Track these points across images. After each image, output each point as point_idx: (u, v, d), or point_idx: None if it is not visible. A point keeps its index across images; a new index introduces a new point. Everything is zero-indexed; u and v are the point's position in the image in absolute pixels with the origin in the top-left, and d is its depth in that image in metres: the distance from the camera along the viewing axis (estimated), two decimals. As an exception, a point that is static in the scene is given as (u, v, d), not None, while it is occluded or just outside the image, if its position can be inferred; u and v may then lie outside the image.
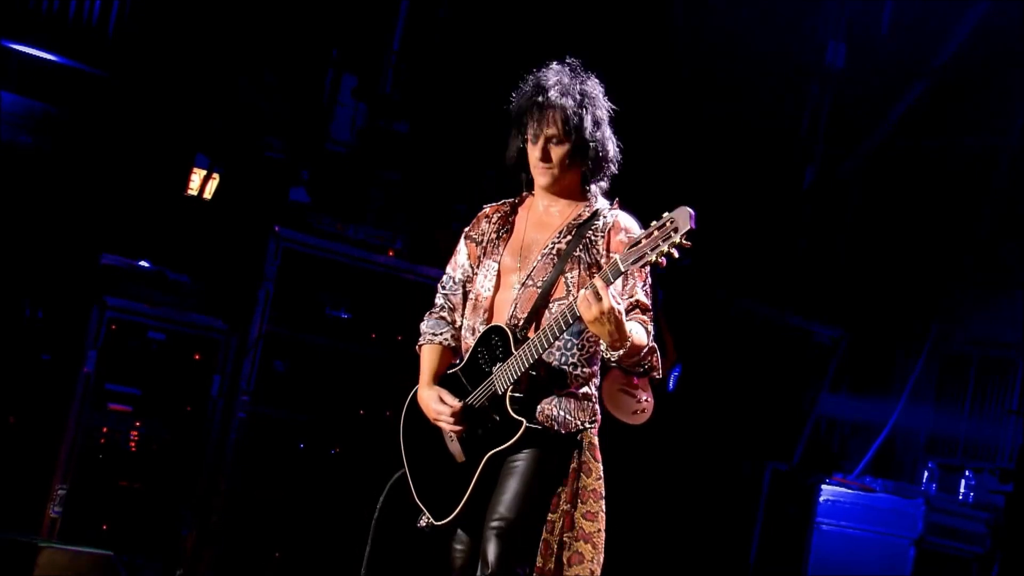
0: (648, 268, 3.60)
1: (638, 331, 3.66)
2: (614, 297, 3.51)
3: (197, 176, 7.31)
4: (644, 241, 3.45)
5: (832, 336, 7.52)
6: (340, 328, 6.96)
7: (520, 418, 3.69)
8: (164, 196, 7.20)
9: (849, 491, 7.47)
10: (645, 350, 3.68)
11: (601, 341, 3.61)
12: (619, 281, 3.62)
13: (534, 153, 3.84)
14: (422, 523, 3.93)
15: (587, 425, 3.79)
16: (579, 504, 3.72)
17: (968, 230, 7.79)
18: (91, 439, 6.28)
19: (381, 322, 7.09)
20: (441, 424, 3.85)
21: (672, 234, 3.38)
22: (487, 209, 4.06)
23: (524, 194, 4.03)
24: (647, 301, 3.78)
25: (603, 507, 3.77)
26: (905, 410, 7.92)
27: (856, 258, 7.97)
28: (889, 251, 7.92)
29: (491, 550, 3.64)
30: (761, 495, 7.60)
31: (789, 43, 7.90)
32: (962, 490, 7.76)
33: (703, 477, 7.45)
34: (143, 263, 6.62)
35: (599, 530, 3.74)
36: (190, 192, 7.27)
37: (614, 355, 3.62)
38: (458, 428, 3.83)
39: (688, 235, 3.36)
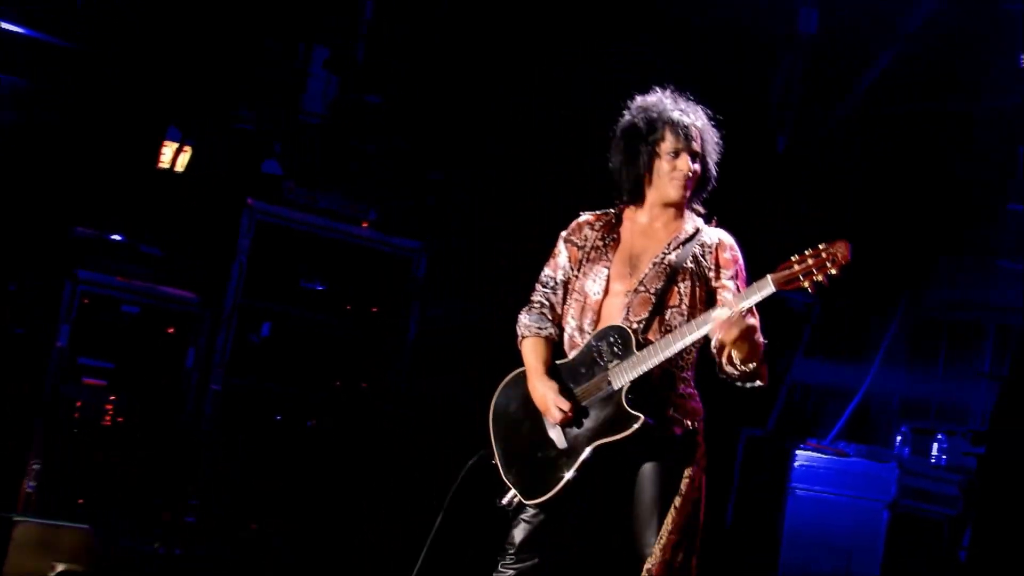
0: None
1: (761, 353, 3.92)
2: (750, 323, 3.80)
3: (169, 149, 7.26)
4: (797, 267, 3.71)
5: (805, 302, 7.56)
6: (315, 300, 6.96)
7: (638, 412, 3.93)
8: (136, 169, 7.16)
9: (823, 456, 7.51)
10: (764, 366, 3.95)
11: (735, 357, 3.86)
12: (726, 294, 4.02)
13: (675, 164, 4.13)
14: (504, 501, 4.10)
15: (695, 426, 4.07)
16: (692, 510, 4.02)
17: (939, 195, 7.82)
18: (66, 413, 6.26)
19: (356, 293, 7.10)
20: (553, 412, 4.05)
21: (828, 264, 3.65)
22: (589, 217, 4.32)
23: (622, 206, 4.28)
24: (755, 321, 3.96)
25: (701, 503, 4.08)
26: (878, 375, 7.97)
27: (827, 224, 8.00)
28: (860, 217, 7.95)
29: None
30: (736, 461, 7.65)
31: (761, 10, 7.89)
32: (935, 453, 7.81)
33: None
34: (115, 236, 6.60)
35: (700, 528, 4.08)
36: (162, 165, 7.23)
37: (729, 367, 3.90)
38: (568, 418, 4.03)
39: (843, 268, 3.63)
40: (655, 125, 4.14)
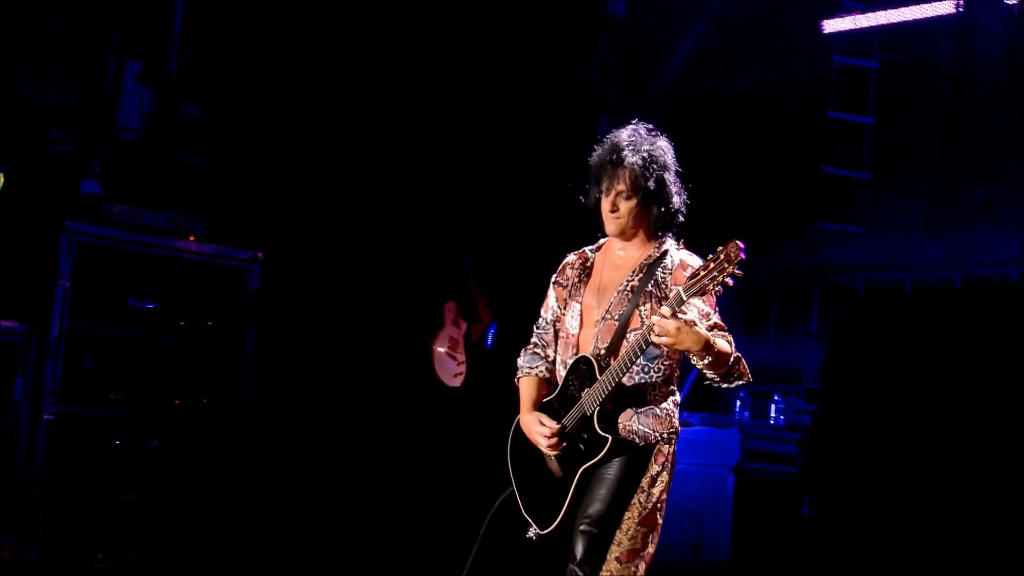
0: (716, 293, 4.04)
1: (722, 342, 4.11)
2: (682, 315, 3.98)
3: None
4: (702, 273, 3.92)
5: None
6: (146, 318, 6.82)
7: (607, 435, 4.18)
8: None
9: (668, 430, 7.65)
10: (732, 359, 4.13)
11: (697, 364, 4.07)
12: (696, 307, 4.13)
13: (605, 205, 4.34)
14: (530, 534, 4.36)
15: (662, 437, 4.25)
16: (642, 512, 4.20)
17: (759, 166, 8.03)
18: None
19: (189, 308, 6.98)
20: (541, 445, 4.32)
21: (726, 265, 3.87)
22: (571, 257, 4.56)
23: (602, 240, 4.51)
24: (722, 322, 4.22)
25: (659, 517, 4.26)
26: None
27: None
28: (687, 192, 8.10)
29: (579, 545, 4.16)
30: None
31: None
32: (773, 415, 8.07)
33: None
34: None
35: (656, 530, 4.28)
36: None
37: (704, 368, 4.09)
38: (556, 448, 4.29)
39: (740, 264, 3.85)
40: (600, 166, 4.33)
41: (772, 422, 8.13)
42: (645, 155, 4.30)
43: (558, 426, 4.31)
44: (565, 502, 4.25)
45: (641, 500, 4.21)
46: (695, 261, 4.30)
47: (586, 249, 4.57)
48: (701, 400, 8.13)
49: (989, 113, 7.12)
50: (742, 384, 4.25)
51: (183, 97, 7.91)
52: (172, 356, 6.88)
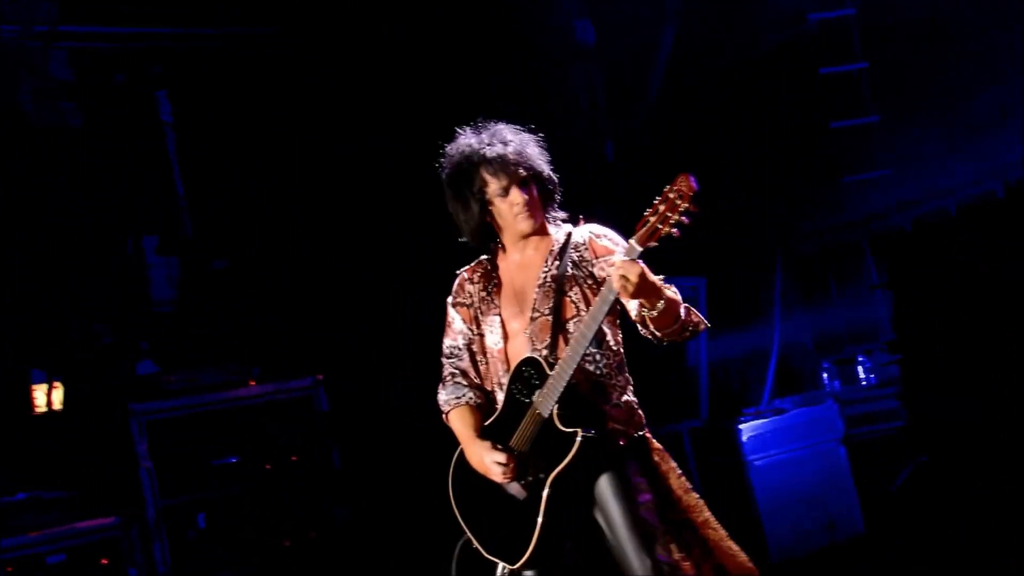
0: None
1: (673, 291, 3.79)
2: (640, 263, 3.63)
3: (40, 392, 7.19)
4: (652, 218, 3.60)
5: (690, 286, 7.64)
6: (233, 473, 6.90)
7: (573, 429, 3.80)
8: (15, 423, 7.07)
9: (765, 420, 7.58)
10: (683, 307, 3.81)
11: (647, 312, 3.71)
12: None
13: (511, 201, 3.99)
14: (498, 574, 3.96)
15: (639, 433, 3.96)
16: (674, 513, 3.89)
17: (769, 138, 7.96)
18: None
19: (270, 450, 7.04)
20: (494, 473, 3.92)
21: (678, 202, 3.55)
22: (464, 273, 4.21)
23: (495, 248, 4.17)
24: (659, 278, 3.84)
25: (695, 498, 3.96)
26: (783, 325, 8.07)
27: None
28: (710, 183, 8.04)
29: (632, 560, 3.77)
30: (688, 458, 7.69)
31: (549, 32, 8.06)
32: (862, 376, 7.94)
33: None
34: (18, 496, 6.50)
35: (715, 528, 3.95)
36: (39, 410, 7.14)
37: (655, 322, 3.74)
38: (512, 474, 3.90)
39: (693, 198, 3.53)
40: (471, 174, 4.00)
41: (864, 383, 8.01)
42: (514, 139, 4.03)
43: (508, 452, 3.92)
44: (536, 525, 3.82)
45: (651, 496, 3.87)
46: (604, 228, 4.07)
47: (480, 261, 4.22)
48: (785, 384, 8.03)
49: (972, 22, 7.05)
50: (696, 333, 3.87)
51: (208, 254, 8.05)
52: (267, 502, 6.93)
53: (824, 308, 8.43)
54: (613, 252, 3.96)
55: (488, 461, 3.94)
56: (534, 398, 3.87)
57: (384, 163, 7.73)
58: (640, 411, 4.01)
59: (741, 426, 7.52)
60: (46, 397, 7.16)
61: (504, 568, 3.93)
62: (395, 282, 7.70)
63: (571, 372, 3.80)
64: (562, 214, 4.15)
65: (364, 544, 7.06)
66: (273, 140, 7.83)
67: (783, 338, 8.04)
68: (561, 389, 3.82)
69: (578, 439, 3.77)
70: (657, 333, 3.82)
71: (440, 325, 4.27)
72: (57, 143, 7.50)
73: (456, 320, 4.17)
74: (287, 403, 7.09)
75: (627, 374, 4.03)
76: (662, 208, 3.58)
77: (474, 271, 4.19)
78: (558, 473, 3.79)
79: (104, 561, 6.44)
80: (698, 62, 8.07)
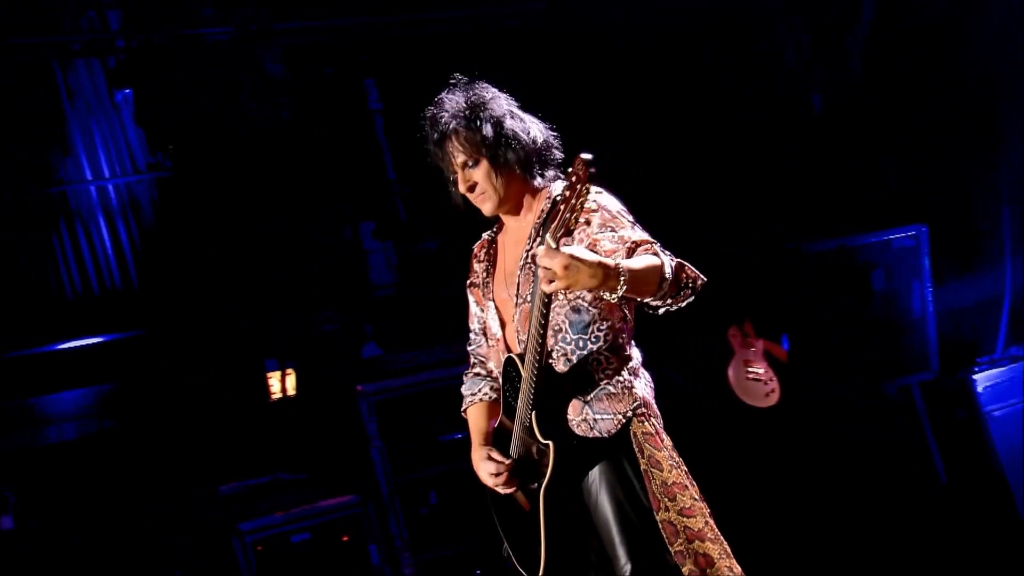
0: (624, 212, 3.43)
1: (643, 259, 3.26)
2: (561, 250, 3.11)
3: (275, 379, 7.49)
4: (562, 208, 3.08)
5: (911, 234, 7.38)
6: (458, 449, 7.03)
7: (547, 441, 3.42)
8: (254, 411, 7.39)
9: (1002, 368, 7.27)
10: (667, 269, 3.27)
11: (611, 295, 3.21)
12: (606, 243, 3.37)
13: (461, 187, 3.56)
14: None
15: (629, 416, 3.50)
16: (670, 505, 3.44)
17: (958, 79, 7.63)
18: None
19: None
20: (487, 481, 3.62)
21: (579, 187, 3.04)
22: (474, 249, 3.84)
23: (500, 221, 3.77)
24: (644, 236, 3.39)
25: (695, 494, 3.48)
26: (1014, 267, 7.71)
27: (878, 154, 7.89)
28: (908, 130, 7.77)
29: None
30: (920, 413, 7.44)
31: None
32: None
33: (850, 413, 7.32)
34: (262, 479, 6.80)
35: (706, 521, 3.46)
36: (274, 396, 7.44)
37: (637, 297, 3.29)
38: (509, 484, 3.56)
39: (591, 178, 3.02)
40: (434, 153, 3.59)
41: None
42: (463, 111, 3.50)
43: (507, 461, 3.55)
44: (541, 540, 3.45)
45: (653, 496, 3.41)
46: (600, 198, 3.50)
47: (486, 234, 3.80)
48: (1021, 330, 7.66)
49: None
50: (696, 290, 3.34)
51: (421, 235, 8.22)
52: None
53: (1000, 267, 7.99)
54: (593, 220, 3.44)
55: (481, 471, 3.64)
56: (518, 404, 3.49)
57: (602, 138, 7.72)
58: (637, 392, 3.53)
59: (976, 376, 7.22)
60: (280, 384, 7.45)
61: None
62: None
63: (535, 376, 3.36)
64: (551, 174, 3.62)
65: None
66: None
67: (1016, 279, 7.67)
68: (533, 393, 3.40)
69: (551, 452, 3.40)
70: (650, 303, 3.33)
71: None
72: (275, 139, 7.77)
73: (471, 303, 3.82)
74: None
75: (626, 352, 3.56)
76: (570, 197, 3.06)
77: (481, 247, 3.81)
78: (546, 485, 3.44)
79: (345, 538, 6.66)
80: (902, 16, 7.79)
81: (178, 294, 7.36)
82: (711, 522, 3.47)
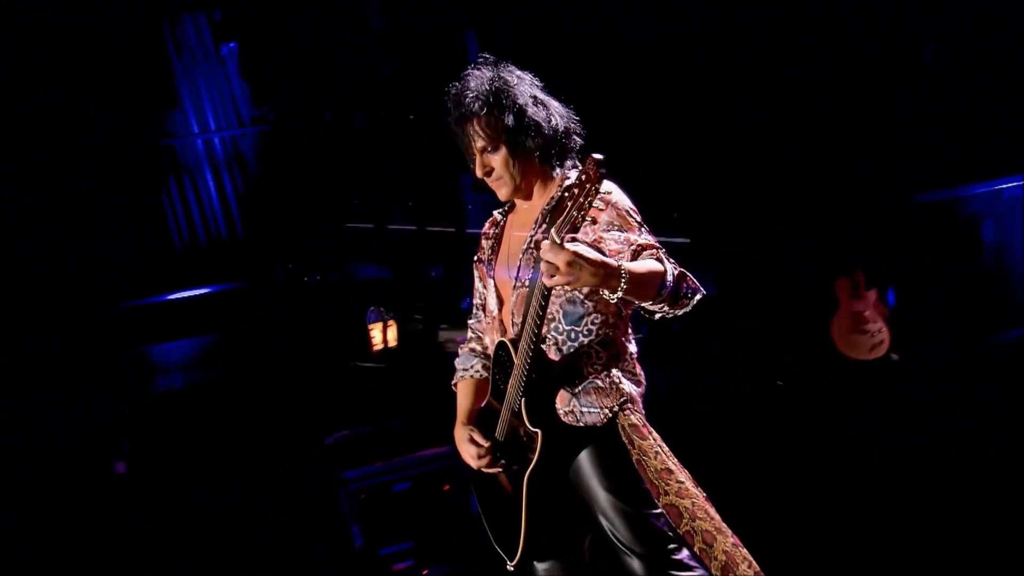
0: (633, 212, 3.47)
1: (646, 263, 3.30)
2: (566, 247, 3.13)
3: (376, 331, 7.59)
4: (570, 204, 3.10)
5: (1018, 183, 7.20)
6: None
7: (536, 429, 3.45)
8: (357, 362, 7.50)
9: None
10: (670, 277, 3.30)
11: (611, 295, 3.23)
12: (611, 243, 3.39)
13: (477, 171, 3.57)
14: (509, 568, 3.65)
15: (615, 410, 3.52)
16: (668, 489, 3.47)
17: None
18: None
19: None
20: (469, 460, 3.65)
21: (588, 186, 3.07)
22: (485, 226, 3.85)
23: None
24: (650, 239, 3.42)
25: (680, 476, 3.51)
26: None
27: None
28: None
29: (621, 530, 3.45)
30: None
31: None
32: None
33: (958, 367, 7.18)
34: (365, 428, 6.90)
35: (692, 503, 3.48)
36: (377, 348, 7.54)
37: (638, 300, 3.33)
38: (491, 466, 3.60)
39: (600, 178, 3.07)
40: (456, 133, 3.58)
41: None
42: (486, 94, 3.48)
43: (487, 444, 3.57)
44: (522, 524, 3.47)
45: (651, 487, 3.44)
46: (609, 188, 3.50)
47: (496, 212, 3.80)
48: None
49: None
50: (692, 301, 3.35)
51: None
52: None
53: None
54: (599, 217, 3.43)
55: (464, 449, 3.65)
56: (507, 388, 3.49)
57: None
58: (625, 386, 3.53)
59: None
60: (382, 336, 7.55)
61: (509, 564, 3.62)
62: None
63: (528, 364, 3.38)
64: (569, 163, 3.60)
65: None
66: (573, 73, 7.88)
67: None
68: (524, 379, 3.41)
69: (539, 440, 3.42)
70: (649, 308, 3.36)
71: None
72: (376, 92, 7.82)
73: (476, 278, 3.81)
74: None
75: (619, 347, 3.57)
76: (578, 194, 3.08)
77: (492, 224, 3.81)
78: (531, 470, 3.45)
79: (446, 488, 6.73)
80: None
81: (281, 246, 7.49)
82: (701, 503, 3.50)
